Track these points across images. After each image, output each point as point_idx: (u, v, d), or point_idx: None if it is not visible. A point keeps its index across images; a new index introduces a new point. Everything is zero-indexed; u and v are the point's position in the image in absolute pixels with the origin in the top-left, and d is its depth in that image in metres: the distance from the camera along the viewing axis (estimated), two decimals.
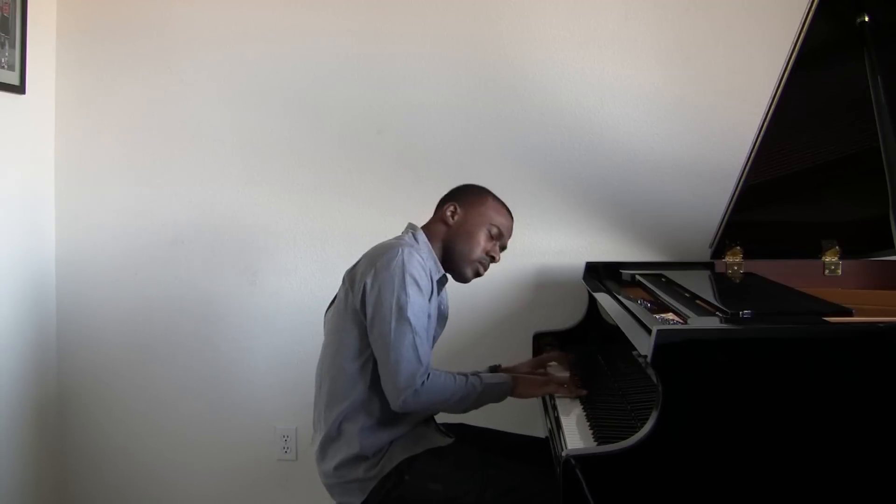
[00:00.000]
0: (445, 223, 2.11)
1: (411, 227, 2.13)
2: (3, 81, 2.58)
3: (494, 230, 2.11)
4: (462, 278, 2.13)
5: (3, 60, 2.58)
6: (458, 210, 2.11)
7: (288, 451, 2.87)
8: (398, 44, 2.74)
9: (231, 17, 2.79)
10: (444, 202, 2.17)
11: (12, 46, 2.61)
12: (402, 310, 1.89)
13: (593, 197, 2.72)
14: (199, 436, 2.89)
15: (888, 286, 2.29)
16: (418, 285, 1.93)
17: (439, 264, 2.10)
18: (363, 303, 1.94)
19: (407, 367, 1.88)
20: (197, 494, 2.91)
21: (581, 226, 2.73)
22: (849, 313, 1.69)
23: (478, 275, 2.14)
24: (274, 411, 2.86)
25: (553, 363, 2.29)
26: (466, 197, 2.14)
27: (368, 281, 1.93)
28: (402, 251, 1.95)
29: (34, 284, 2.81)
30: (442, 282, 2.09)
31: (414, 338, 1.89)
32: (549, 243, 2.74)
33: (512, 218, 2.17)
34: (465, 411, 2.00)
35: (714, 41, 2.64)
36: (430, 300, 1.99)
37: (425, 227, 2.14)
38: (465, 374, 2.00)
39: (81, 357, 2.91)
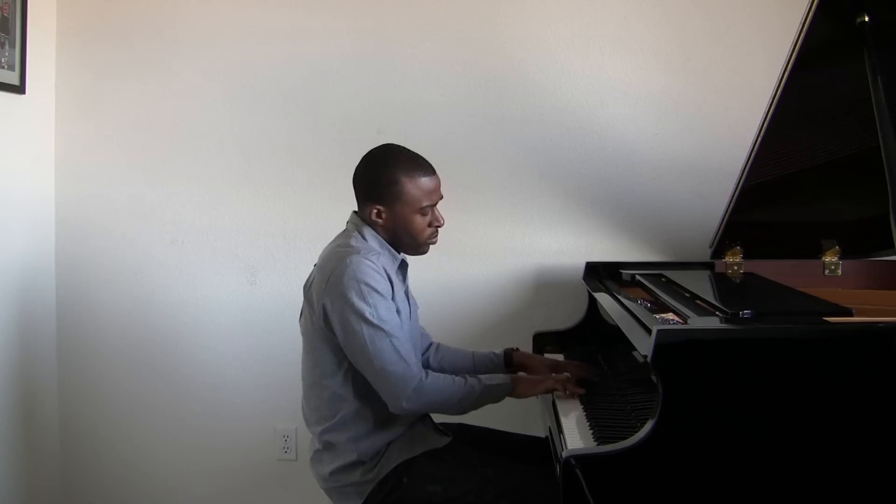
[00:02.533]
0: (376, 224, 1.99)
1: (355, 224, 2.01)
2: (3, 81, 2.58)
3: (428, 205, 1.98)
4: (419, 255, 2.06)
5: (3, 60, 2.58)
6: (383, 209, 1.97)
7: (288, 451, 2.87)
8: (398, 43, 2.74)
9: (231, 17, 2.79)
10: (360, 201, 2.01)
11: (12, 46, 2.61)
12: (369, 320, 1.85)
13: (593, 197, 2.72)
14: (199, 436, 2.89)
15: (888, 286, 2.29)
16: (376, 290, 1.87)
17: (393, 252, 2.02)
18: (327, 322, 1.91)
19: (395, 371, 1.86)
20: (197, 494, 2.91)
21: (581, 226, 2.73)
22: (849, 313, 1.69)
23: (432, 244, 2.05)
24: (274, 411, 2.86)
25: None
26: (382, 191, 1.96)
27: (327, 302, 1.89)
28: (351, 261, 1.88)
29: (34, 284, 2.81)
30: (403, 268, 2.05)
31: (391, 341, 1.86)
32: (549, 243, 2.74)
33: (432, 172, 1.99)
34: (464, 412, 1.98)
35: (714, 41, 2.64)
36: (393, 297, 1.94)
37: (364, 217, 2.01)
38: (465, 376, 1.98)
39: (81, 357, 2.91)
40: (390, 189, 1.96)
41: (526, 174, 2.72)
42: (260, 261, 2.84)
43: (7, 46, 2.60)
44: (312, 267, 2.05)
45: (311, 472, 2.06)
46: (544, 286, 2.76)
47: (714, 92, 2.64)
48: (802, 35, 1.81)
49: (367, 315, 1.86)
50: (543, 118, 2.71)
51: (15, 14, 2.62)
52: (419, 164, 1.99)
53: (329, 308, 1.89)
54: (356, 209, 2.05)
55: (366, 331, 1.86)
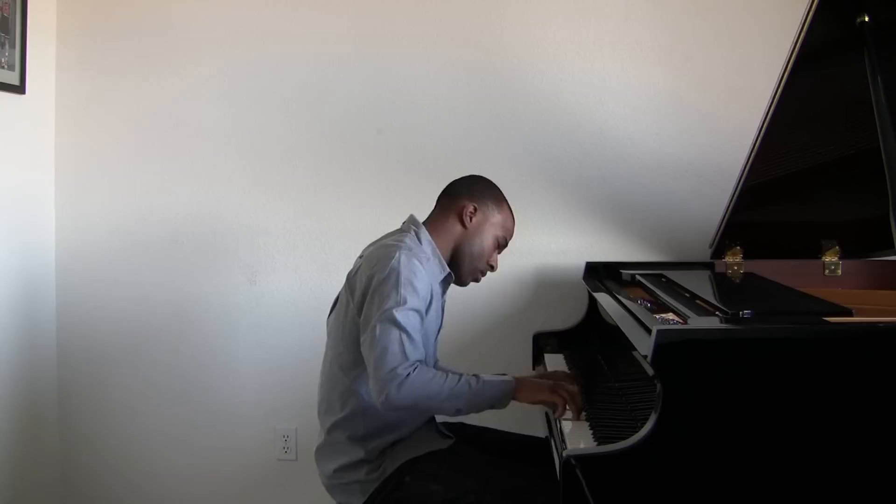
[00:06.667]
0: (461, 222, 2.04)
1: (413, 225, 2.04)
2: (3, 81, 2.58)
3: (503, 239, 2.09)
4: (460, 283, 2.10)
5: (3, 60, 2.58)
6: (478, 212, 2.05)
7: (288, 451, 2.87)
8: (398, 44, 2.74)
9: (231, 16, 2.80)
10: (460, 195, 2.07)
11: (12, 46, 2.61)
12: (393, 312, 1.82)
13: (593, 197, 2.72)
14: (199, 436, 2.89)
15: (888, 286, 2.29)
16: (414, 287, 1.85)
17: (444, 264, 2.03)
18: (360, 310, 1.90)
19: (391, 361, 1.79)
20: (197, 494, 2.91)
21: (581, 226, 2.73)
22: (849, 313, 1.68)
23: (475, 281, 2.11)
24: (274, 411, 2.86)
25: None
26: (487, 199, 2.07)
27: (368, 292, 1.88)
28: (400, 254, 1.88)
29: (34, 284, 2.81)
30: (447, 281, 2.06)
31: (401, 335, 1.81)
32: (549, 243, 2.74)
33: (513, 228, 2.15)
34: (459, 413, 1.88)
35: (714, 41, 2.64)
36: (430, 306, 1.93)
37: (432, 220, 2.07)
38: (460, 373, 1.91)
39: (81, 357, 2.91)
40: (494, 203, 2.08)
41: (526, 174, 2.72)
42: (260, 261, 2.84)
43: (7, 46, 2.60)
44: (358, 257, 2.05)
45: (316, 465, 2.06)
46: (544, 286, 2.76)
47: (714, 92, 2.64)
48: (802, 35, 1.81)
49: (391, 305, 1.83)
50: (543, 118, 2.71)
51: (15, 14, 2.62)
52: (512, 210, 2.13)
53: (368, 298, 1.87)
54: (413, 214, 2.09)
55: (383, 320, 1.82)
